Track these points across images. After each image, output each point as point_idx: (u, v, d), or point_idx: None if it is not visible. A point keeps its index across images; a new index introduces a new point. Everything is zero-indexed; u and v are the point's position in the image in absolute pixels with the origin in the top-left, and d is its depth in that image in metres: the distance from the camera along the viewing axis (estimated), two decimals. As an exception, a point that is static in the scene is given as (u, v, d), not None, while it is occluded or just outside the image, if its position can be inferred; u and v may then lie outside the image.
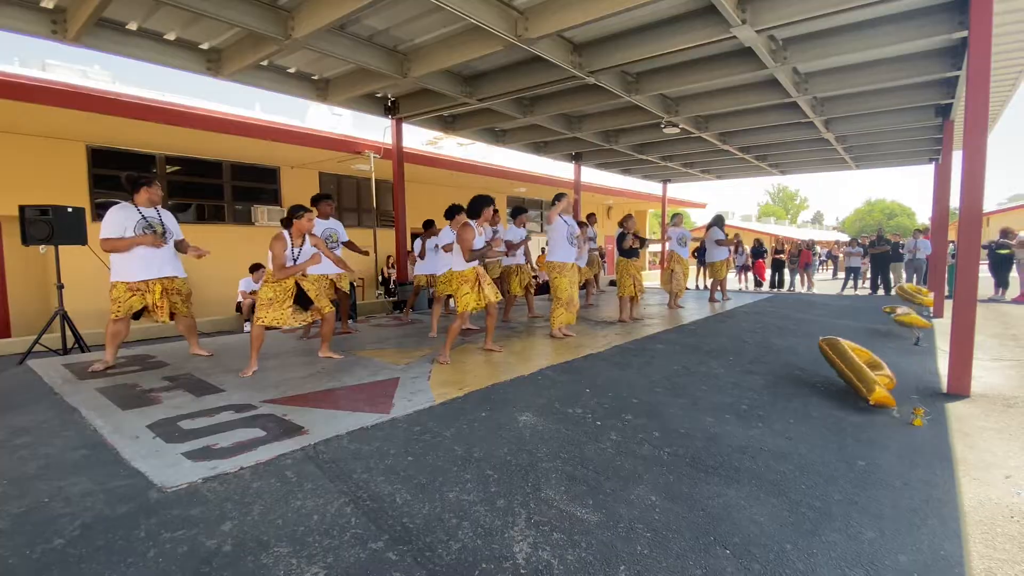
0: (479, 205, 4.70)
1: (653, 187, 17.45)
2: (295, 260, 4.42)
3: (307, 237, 4.56)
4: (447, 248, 5.82)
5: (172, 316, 4.60)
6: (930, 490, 2.58)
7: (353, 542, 1.93)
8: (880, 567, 1.95)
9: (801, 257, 15.14)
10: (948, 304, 7.19)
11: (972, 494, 2.57)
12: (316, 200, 5.70)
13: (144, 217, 4.35)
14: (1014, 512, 2.40)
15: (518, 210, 6.94)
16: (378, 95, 8.19)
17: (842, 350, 4.13)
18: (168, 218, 4.58)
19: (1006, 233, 11.31)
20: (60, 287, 5.61)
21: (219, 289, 9.79)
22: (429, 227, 7.21)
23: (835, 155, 11.75)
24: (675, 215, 9.11)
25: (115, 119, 7.48)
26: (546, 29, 5.27)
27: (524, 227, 6.97)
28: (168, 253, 4.52)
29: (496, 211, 4.89)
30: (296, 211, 4.43)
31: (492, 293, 4.73)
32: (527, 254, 7.06)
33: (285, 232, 4.39)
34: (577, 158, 12.53)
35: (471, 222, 4.67)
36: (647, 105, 7.93)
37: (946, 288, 9.48)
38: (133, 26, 5.70)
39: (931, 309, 8.85)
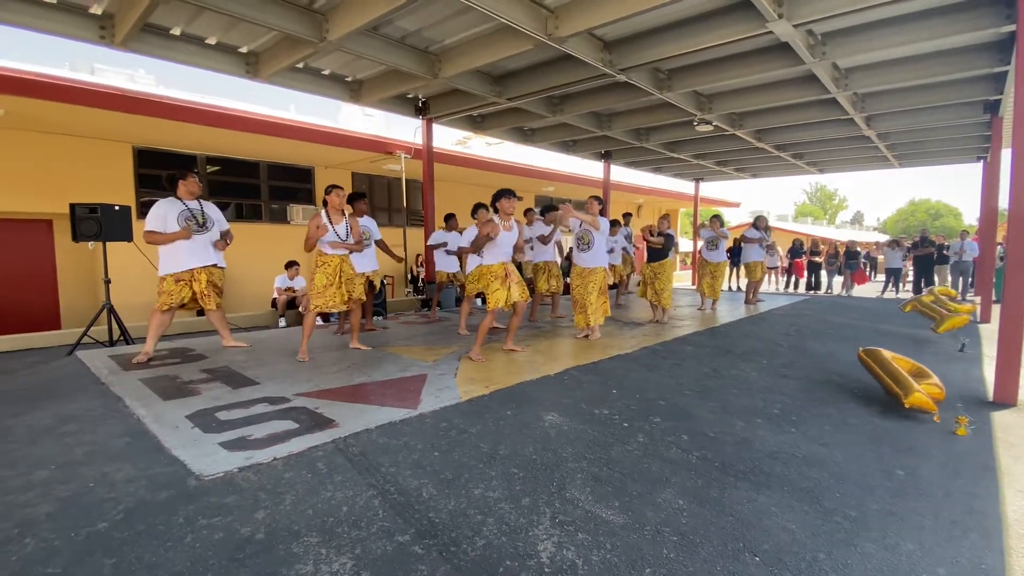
0: (495, 198, 4.79)
1: (685, 186, 17.14)
2: (340, 237, 4.78)
3: (346, 215, 4.91)
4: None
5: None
6: (972, 501, 2.47)
7: (380, 535, 1.97)
8: (918, 580, 1.88)
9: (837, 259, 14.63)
10: (996, 309, 6.87)
11: (1016, 506, 2.45)
12: (352, 199, 5.82)
13: (187, 208, 4.63)
14: (1064, 528, 2.28)
15: (547, 208, 6.93)
16: (409, 96, 8.28)
17: (882, 358, 4.01)
18: (211, 209, 4.85)
19: None
20: (107, 282, 5.87)
21: (255, 286, 10.07)
22: (449, 220, 7.23)
23: (877, 153, 11.33)
24: (713, 217, 8.75)
25: (159, 121, 7.76)
26: (577, 27, 5.24)
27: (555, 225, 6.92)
28: (211, 243, 4.78)
29: (494, 207, 4.83)
30: (327, 190, 4.84)
31: (520, 292, 4.73)
32: (560, 252, 7.03)
33: (323, 212, 4.77)
34: (606, 156, 12.41)
35: (493, 216, 4.77)
36: (679, 102, 7.81)
37: (993, 292, 9.06)
38: (176, 31, 5.91)
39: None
